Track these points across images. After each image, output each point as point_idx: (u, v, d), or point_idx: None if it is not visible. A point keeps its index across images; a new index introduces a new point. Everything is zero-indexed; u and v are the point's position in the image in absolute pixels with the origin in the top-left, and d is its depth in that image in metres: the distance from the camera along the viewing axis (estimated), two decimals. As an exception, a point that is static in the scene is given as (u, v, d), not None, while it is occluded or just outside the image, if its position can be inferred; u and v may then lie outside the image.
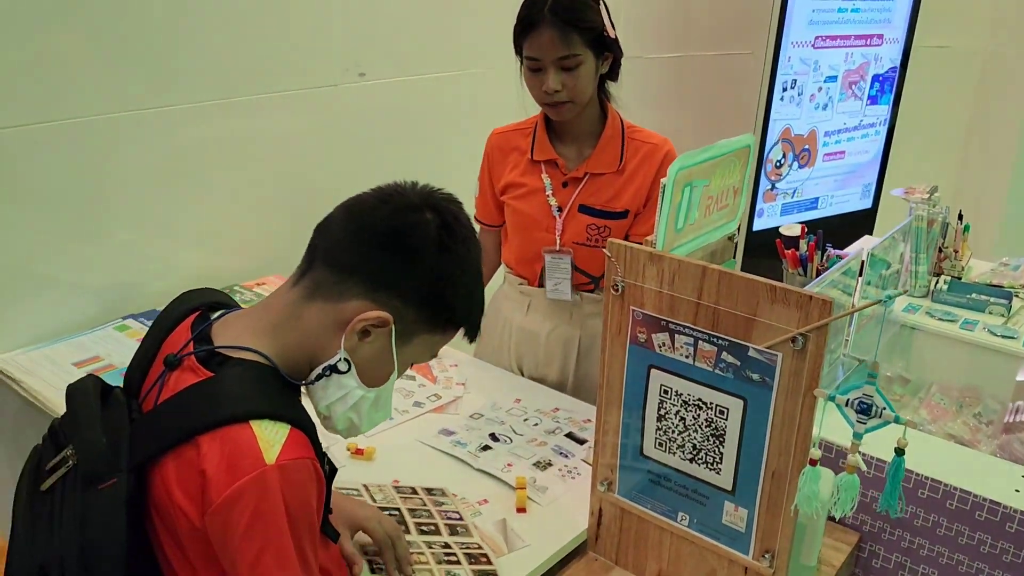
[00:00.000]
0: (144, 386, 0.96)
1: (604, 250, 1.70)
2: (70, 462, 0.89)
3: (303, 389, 0.98)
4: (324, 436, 1.54)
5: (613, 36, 1.66)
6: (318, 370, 0.96)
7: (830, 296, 1.00)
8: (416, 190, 0.99)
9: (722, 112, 3.53)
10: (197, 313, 1.01)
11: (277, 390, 0.92)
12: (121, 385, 1.01)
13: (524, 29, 1.62)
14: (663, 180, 1.18)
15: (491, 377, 1.85)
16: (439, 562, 1.24)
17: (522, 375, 1.89)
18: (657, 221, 1.19)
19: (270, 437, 0.85)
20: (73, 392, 0.96)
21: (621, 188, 1.73)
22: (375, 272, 0.93)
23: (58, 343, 1.88)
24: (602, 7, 1.64)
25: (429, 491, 1.42)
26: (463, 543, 1.30)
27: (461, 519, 1.36)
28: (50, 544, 0.84)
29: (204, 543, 0.86)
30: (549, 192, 1.75)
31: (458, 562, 1.25)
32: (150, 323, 1.97)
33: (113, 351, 1.85)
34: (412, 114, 2.60)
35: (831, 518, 1.35)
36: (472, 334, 1.04)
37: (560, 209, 1.75)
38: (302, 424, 0.90)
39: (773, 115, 3.24)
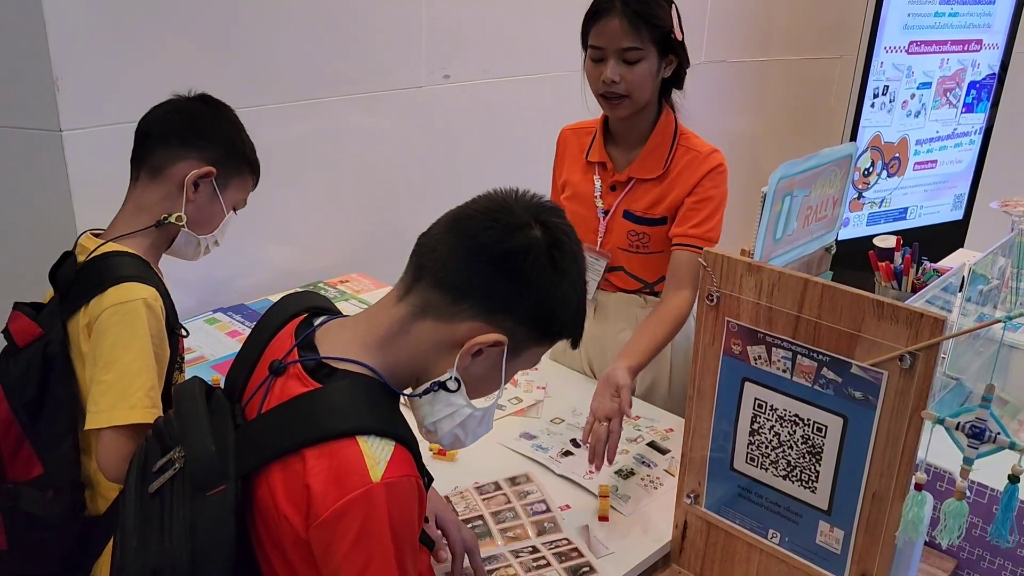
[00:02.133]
0: (247, 390, 0.97)
1: (646, 255, 1.68)
2: (177, 465, 0.89)
3: (402, 399, 0.98)
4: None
5: (680, 39, 1.64)
6: (426, 385, 0.96)
7: (942, 314, 0.96)
8: (522, 204, 0.95)
9: (805, 118, 3.44)
10: (300, 318, 1.01)
11: (383, 405, 0.91)
12: (209, 380, 1.02)
13: (592, 17, 1.61)
14: (763, 189, 1.16)
15: (571, 382, 1.84)
16: (528, 570, 1.24)
17: (594, 378, 1.88)
18: (756, 231, 1.16)
19: (376, 454, 0.85)
20: (180, 395, 0.96)
21: (661, 195, 1.68)
22: (489, 296, 0.92)
23: (152, 334, 1.94)
24: (673, 11, 1.62)
25: (512, 480, 1.43)
26: (551, 542, 1.30)
27: (548, 510, 1.36)
28: (161, 549, 0.85)
29: (308, 552, 0.87)
30: (598, 195, 1.74)
31: (548, 564, 1.25)
32: (238, 317, 2.05)
33: (204, 343, 1.90)
34: (495, 116, 2.61)
35: (929, 543, 1.30)
36: (577, 343, 1.03)
37: (606, 212, 1.74)
38: (406, 441, 0.90)
39: (862, 122, 3.15)
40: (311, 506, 0.84)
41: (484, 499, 1.40)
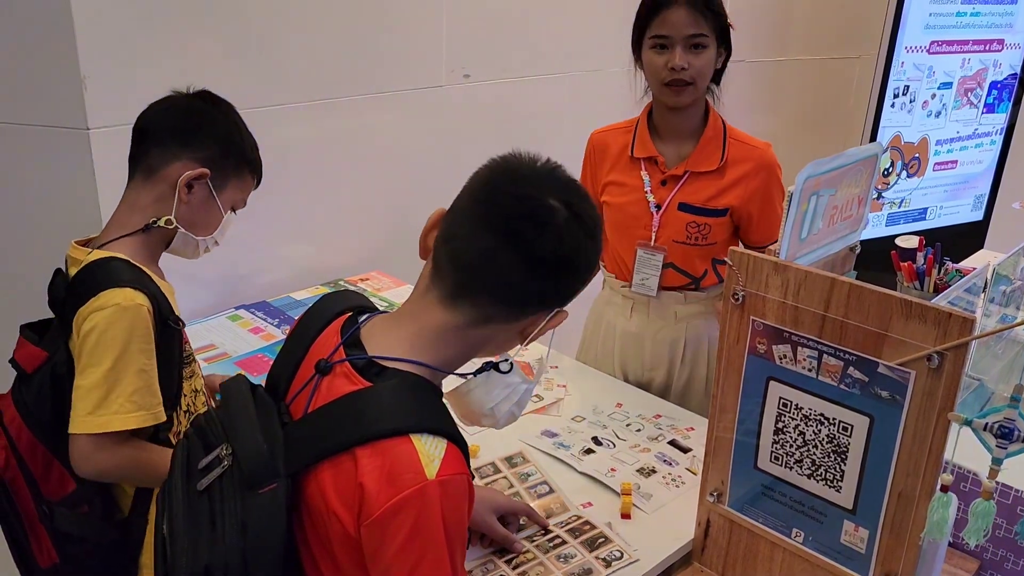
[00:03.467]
0: (292, 388, 0.97)
1: (704, 247, 1.72)
2: (225, 463, 0.89)
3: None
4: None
5: (732, 27, 1.69)
6: (479, 365, 0.99)
7: (971, 314, 0.96)
8: (549, 192, 0.93)
9: (824, 118, 3.43)
10: (345, 317, 1.01)
11: (434, 404, 0.92)
12: (243, 376, 1.01)
13: (654, 8, 1.64)
14: (789, 189, 1.16)
15: (592, 380, 1.84)
16: (546, 552, 1.26)
17: (627, 381, 1.88)
18: (781, 230, 1.16)
19: (430, 452, 0.86)
20: (228, 392, 0.96)
21: (723, 187, 1.71)
22: (549, 293, 0.96)
23: (175, 330, 1.96)
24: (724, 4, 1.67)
25: (509, 461, 1.46)
26: (562, 522, 1.34)
27: (551, 490, 1.41)
28: (213, 548, 0.85)
29: (356, 551, 0.87)
30: (648, 189, 1.75)
31: (564, 542, 1.27)
32: (260, 314, 2.07)
33: (226, 340, 1.92)
34: (515, 115, 2.62)
35: (952, 544, 1.30)
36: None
37: (658, 207, 1.75)
38: (457, 439, 0.90)
39: (882, 122, 3.14)
40: (364, 504, 0.84)
41: (486, 483, 1.42)
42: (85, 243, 1.30)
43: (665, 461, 1.54)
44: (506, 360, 0.97)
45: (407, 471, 0.84)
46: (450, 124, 2.46)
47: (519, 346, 0.99)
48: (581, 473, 1.49)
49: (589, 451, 1.55)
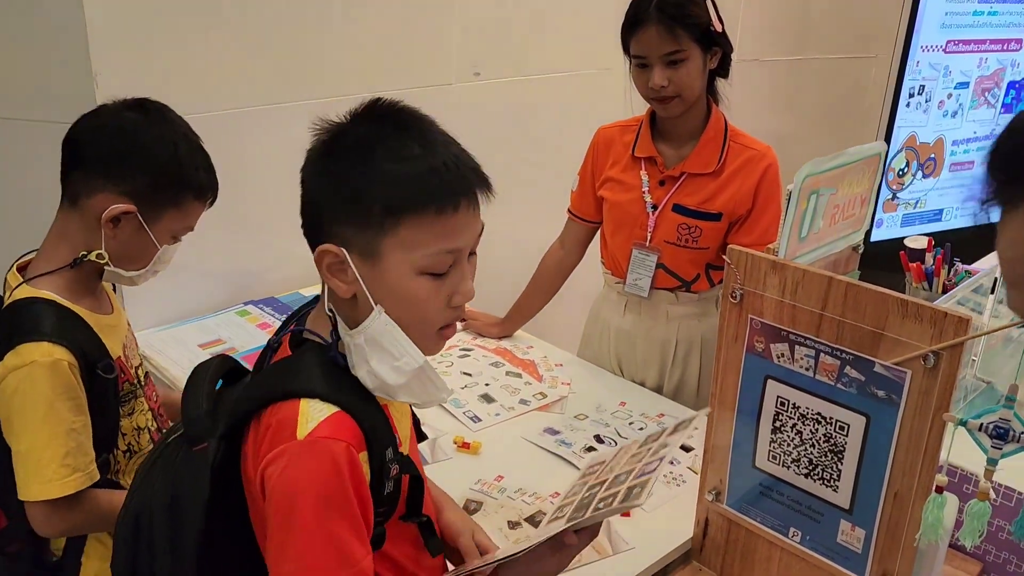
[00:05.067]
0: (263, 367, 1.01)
1: (694, 251, 1.70)
2: (180, 428, 0.95)
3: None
4: (431, 429, 1.58)
5: (720, 31, 1.65)
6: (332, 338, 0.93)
7: (967, 313, 0.95)
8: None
9: (839, 118, 3.40)
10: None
11: (337, 375, 0.90)
12: (226, 356, 1.06)
13: (631, 27, 1.63)
14: (788, 187, 1.16)
15: (596, 378, 1.84)
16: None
17: (622, 375, 1.89)
18: (780, 228, 1.16)
19: (311, 414, 0.85)
20: (195, 369, 1.00)
21: (717, 190, 1.70)
22: (312, 212, 1.00)
23: (185, 324, 1.98)
24: (708, 2, 1.63)
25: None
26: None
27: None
28: (144, 495, 0.93)
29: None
30: (646, 189, 1.75)
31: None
32: (268, 309, 2.09)
33: (234, 335, 1.94)
34: (525, 114, 2.62)
35: (953, 545, 1.29)
36: (428, 208, 0.90)
37: (655, 207, 1.74)
38: (354, 410, 0.88)
39: (897, 122, 3.11)
40: (256, 461, 0.87)
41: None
42: (24, 266, 1.23)
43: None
44: (330, 311, 0.92)
45: (284, 430, 0.85)
46: (460, 122, 2.43)
47: (342, 284, 0.91)
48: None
49: (591, 449, 1.55)
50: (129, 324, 1.35)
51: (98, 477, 1.17)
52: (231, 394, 0.97)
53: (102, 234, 1.17)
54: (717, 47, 1.66)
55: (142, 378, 1.33)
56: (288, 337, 0.95)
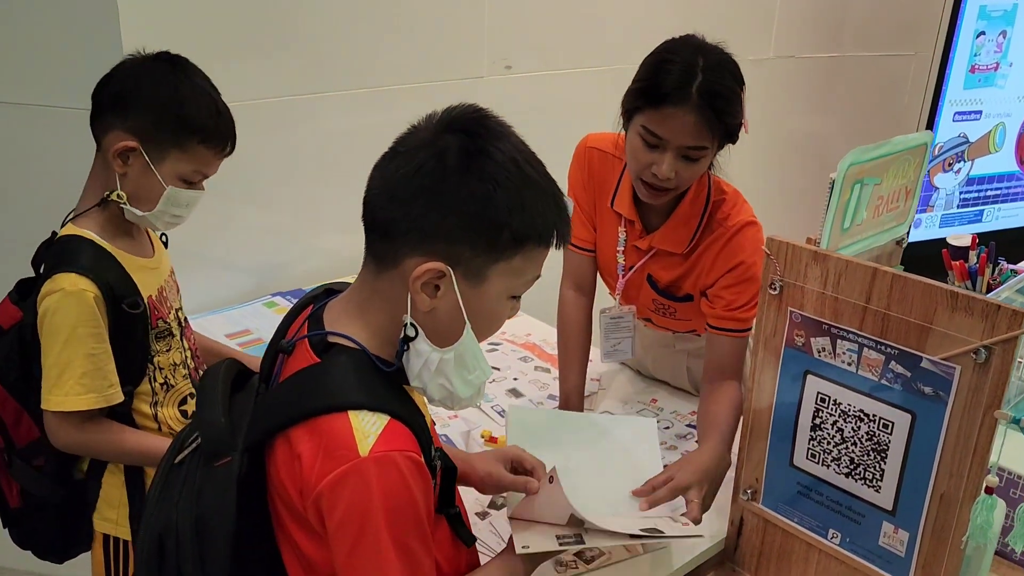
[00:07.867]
0: (272, 372, 0.98)
1: (680, 321, 1.52)
2: (198, 439, 0.91)
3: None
4: (464, 421, 1.56)
5: (746, 130, 1.40)
6: (400, 346, 0.91)
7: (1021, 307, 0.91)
8: (433, 121, 0.91)
9: (876, 116, 3.33)
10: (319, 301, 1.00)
11: (374, 379, 0.89)
12: (231, 360, 1.03)
13: (656, 99, 1.32)
14: (831, 175, 1.12)
15: (625, 376, 1.81)
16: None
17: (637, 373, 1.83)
18: (823, 219, 1.12)
19: (366, 428, 0.83)
20: (206, 374, 0.98)
21: (686, 272, 1.50)
22: (414, 222, 0.86)
23: (212, 315, 1.98)
24: (744, 93, 1.38)
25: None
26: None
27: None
28: (170, 514, 0.88)
29: (310, 527, 0.87)
30: (621, 249, 1.54)
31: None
32: (296, 301, 2.07)
33: (262, 326, 1.93)
34: (556, 107, 2.58)
35: (999, 553, 1.24)
36: (551, 240, 0.93)
37: (625, 270, 1.54)
38: (403, 416, 0.87)
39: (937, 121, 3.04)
40: (303, 482, 0.84)
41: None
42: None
43: (699, 458, 1.49)
44: (411, 325, 0.88)
45: (340, 448, 0.82)
46: (490, 116, 2.44)
47: (428, 298, 0.88)
48: (610, 468, 1.45)
49: (620, 445, 1.52)
50: (172, 270, 1.43)
51: (117, 402, 1.25)
52: (243, 400, 0.94)
53: (116, 173, 1.26)
54: (733, 143, 1.41)
55: (183, 320, 1.41)
56: (305, 342, 0.92)
